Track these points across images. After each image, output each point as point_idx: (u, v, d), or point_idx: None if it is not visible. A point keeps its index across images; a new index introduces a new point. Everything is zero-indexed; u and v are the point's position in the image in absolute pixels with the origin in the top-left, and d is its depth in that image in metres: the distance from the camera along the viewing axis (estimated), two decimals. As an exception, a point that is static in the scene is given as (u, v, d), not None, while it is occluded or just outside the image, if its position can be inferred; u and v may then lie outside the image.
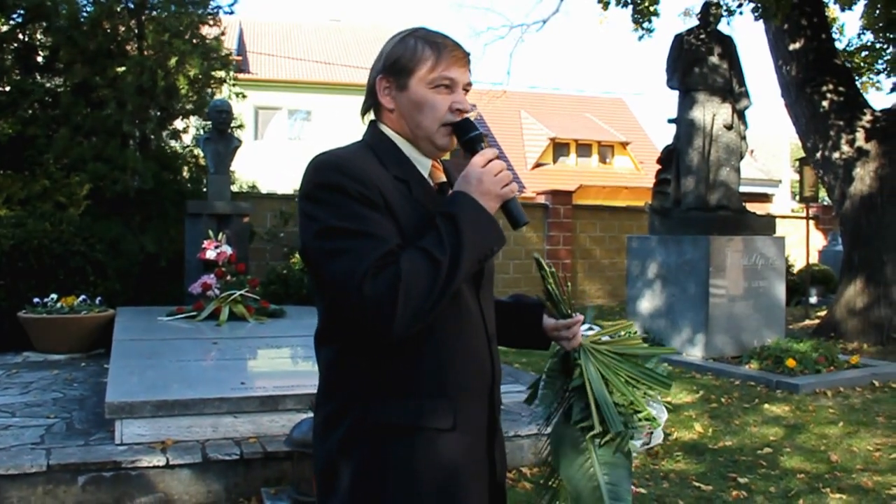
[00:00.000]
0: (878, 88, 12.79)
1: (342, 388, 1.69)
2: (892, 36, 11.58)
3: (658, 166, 9.54)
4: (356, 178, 1.61)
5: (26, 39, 10.03)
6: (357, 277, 1.52)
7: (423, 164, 1.78)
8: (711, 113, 8.69)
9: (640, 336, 2.22)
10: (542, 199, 14.53)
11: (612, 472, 1.93)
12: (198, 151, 10.58)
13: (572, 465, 1.95)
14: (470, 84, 1.78)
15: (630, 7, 10.74)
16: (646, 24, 10.83)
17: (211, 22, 10.53)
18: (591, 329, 2.09)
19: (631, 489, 1.97)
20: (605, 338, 2.09)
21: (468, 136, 1.73)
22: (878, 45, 12.33)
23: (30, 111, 9.60)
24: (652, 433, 5.07)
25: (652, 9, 10.74)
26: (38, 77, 10.01)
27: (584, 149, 31.14)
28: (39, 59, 10.18)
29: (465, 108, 1.74)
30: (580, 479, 1.93)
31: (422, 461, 1.64)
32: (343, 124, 23.36)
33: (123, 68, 9.39)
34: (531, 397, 2.12)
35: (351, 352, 1.67)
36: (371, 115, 1.83)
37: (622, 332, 2.18)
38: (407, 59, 1.72)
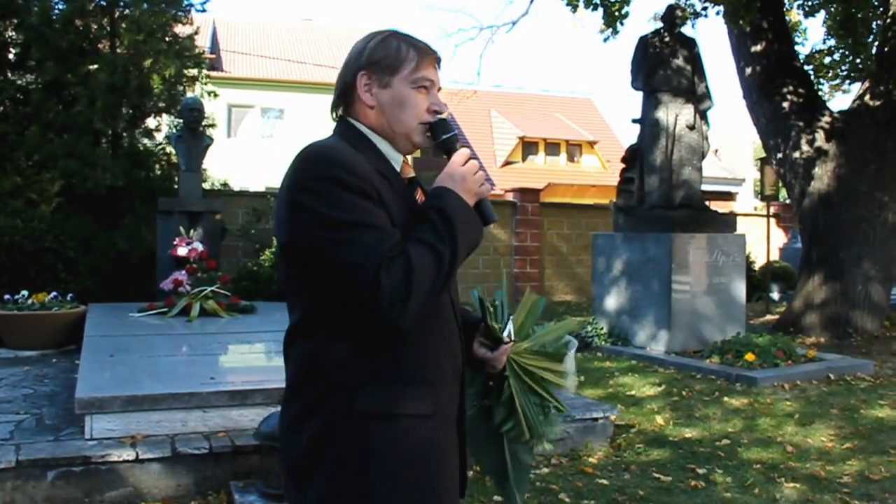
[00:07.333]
0: (844, 92, 12.98)
1: (322, 378, 1.70)
2: (848, 30, 11.74)
3: (622, 165, 9.68)
4: (352, 170, 1.65)
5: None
6: (371, 268, 1.57)
7: (396, 160, 1.84)
8: (674, 113, 8.80)
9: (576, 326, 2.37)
10: (510, 197, 14.57)
11: (519, 459, 2.19)
12: (170, 149, 10.54)
13: (487, 453, 2.18)
14: (441, 87, 1.88)
15: (601, 10, 10.87)
16: (616, 26, 10.97)
17: (184, 20, 10.50)
18: (531, 332, 2.17)
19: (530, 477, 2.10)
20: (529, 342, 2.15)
21: (445, 137, 1.83)
22: (839, 49, 12.53)
23: (1, 108, 9.54)
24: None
25: (622, 11, 10.87)
26: (10, 74, 9.95)
27: (552, 147, 31.38)
28: (11, 56, 10.09)
29: (442, 110, 1.84)
30: (492, 465, 2.19)
31: (403, 447, 1.68)
32: (315, 122, 23.37)
33: (95, 66, 9.33)
34: None
35: (334, 342, 1.69)
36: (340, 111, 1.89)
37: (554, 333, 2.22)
38: (392, 58, 1.80)
